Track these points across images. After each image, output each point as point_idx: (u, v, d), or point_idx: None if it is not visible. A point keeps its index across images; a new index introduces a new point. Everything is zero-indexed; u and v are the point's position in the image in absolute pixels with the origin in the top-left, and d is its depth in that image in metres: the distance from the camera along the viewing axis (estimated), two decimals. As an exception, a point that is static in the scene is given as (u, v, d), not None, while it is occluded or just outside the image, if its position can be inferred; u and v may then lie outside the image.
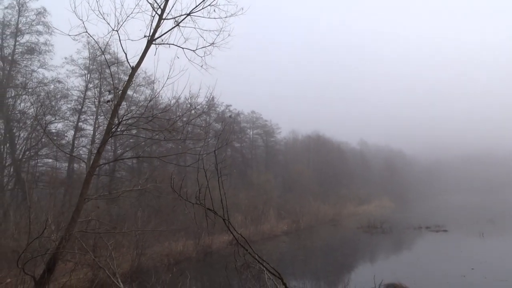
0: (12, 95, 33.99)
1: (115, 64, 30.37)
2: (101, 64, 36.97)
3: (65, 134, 36.60)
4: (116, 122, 11.76)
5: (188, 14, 13.03)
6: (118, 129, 12.44)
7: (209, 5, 13.22)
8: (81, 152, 37.13)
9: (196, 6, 13.00)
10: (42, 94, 34.14)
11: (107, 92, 17.32)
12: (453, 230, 49.48)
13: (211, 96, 14.92)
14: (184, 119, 15.10)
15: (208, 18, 13.21)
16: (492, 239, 41.70)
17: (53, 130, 34.81)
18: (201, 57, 13.35)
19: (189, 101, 13.64)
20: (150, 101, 13.40)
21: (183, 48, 13.09)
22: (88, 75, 38.58)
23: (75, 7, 12.08)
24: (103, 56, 26.39)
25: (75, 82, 44.71)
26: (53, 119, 34.63)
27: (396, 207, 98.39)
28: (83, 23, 12.28)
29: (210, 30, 13.13)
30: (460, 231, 50.06)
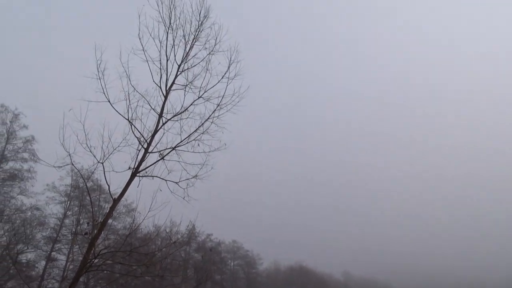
0: (-14, 222, 32.91)
1: (97, 192, 30.29)
2: (82, 191, 36.84)
3: (36, 265, 34.68)
4: (92, 257, 11.28)
5: (173, 148, 13.50)
6: (93, 263, 11.87)
7: (193, 139, 13.84)
8: (50, 286, 34.81)
9: (181, 141, 13.56)
10: (17, 221, 33.19)
11: (86, 221, 16.89)
12: None
13: (192, 226, 14.73)
14: (163, 249, 14.62)
15: (192, 152, 13.68)
16: None
17: (24, 260, 33.05)
18: (184, 189, 13.50)
19: (170, 233, 13.45)
20: (129, 234, 13.09)
21: (166, 180, 13.29)
22: (68, 202, 38.16)
23: (63, 140, 12.46)
24: (85, 184, 26.52)
25: (54, 209, 44.01)
26: (25, 248, 33.14)
27: None
28: (70, 155, 12.54)
29: (193, 164, 13.52)
30: None
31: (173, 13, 13.96)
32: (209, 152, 13.74)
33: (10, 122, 36.69)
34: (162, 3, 13.86)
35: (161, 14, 13.86)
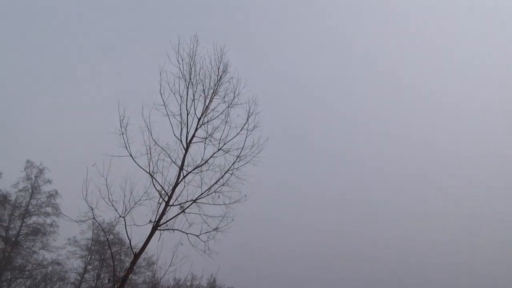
0: (8, 277, 32.96)
1: (118, 246, 30.24)
2: (103, 245, 36.77)
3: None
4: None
5: (194, 201, 13.55)
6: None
7: (214, 191, 13.88)
8: None
9: (202, 193, 13.61)
10: (39, 277, 33.13)
11: (107, 277, 16.75)
12: None
13: (213, 279, 14.47)
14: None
15: (213, 204, 13.69)
16: None
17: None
18: (205, 242, 13.41)
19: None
20: (149, 289, 12.92)
21: (187, 233, 13.27)
22: (89, 256, 38.04)
23: (86, 195, 12.72)
24: (106, 238, 26.63)
25: (74, 264, 43.95)
26: (45, 304, 32.87)
27: None
28: (92, 210, 12.73)
29: (214, 216, 13.48)
30: None
31: (193, 69, 14.47)
32: (229, 204, 13.72)
33: (35, 177, 37.59)
34: (182, 60, 14.42)
35: (182, 70, 14.38)
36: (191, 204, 13.55)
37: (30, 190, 37.21)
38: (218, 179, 13.90)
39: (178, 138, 14.08)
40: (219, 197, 13.86)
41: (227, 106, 14.64)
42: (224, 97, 14.74)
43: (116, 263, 14.17)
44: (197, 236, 13.35)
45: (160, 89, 14.06)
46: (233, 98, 14.64)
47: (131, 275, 35.43)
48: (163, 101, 14.07)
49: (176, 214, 13.42)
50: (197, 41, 14.63)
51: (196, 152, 14.24)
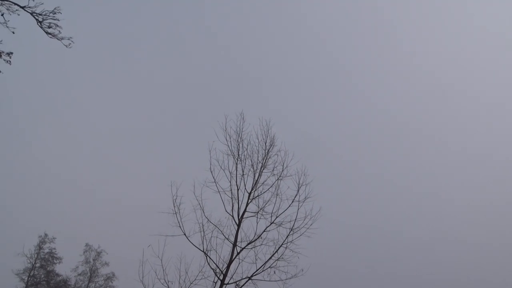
0: None
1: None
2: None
3: None
4: None
5: (249, 278, 13.28)
6: None
7: (269, 267, 13.54)
8: None
9: (257, 270, 13.34)
10: None
11: None
12: None
13: None
14: None
15: (269, 280, 13.31)
16: None
17: None
18: (263, 323, 12.90)
19: None
20: None
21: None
22: None
23: (142, 277, 12.80)
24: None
25: None
26: None
27: None
28: (149, 291, 12.74)
29: (271, 294, 13.05)
30: None
31: (241, 145, 14.83)
32: (286, 279, 13.29)
33: (93, 260, 38.50)
34: (230, 138, 14.86)
35: (230, 147, 14.79)
36: (246, 281, 13.27)
37: (89, 274, 37.99)
38: (273, 254, 13.64)
39: (230, 214, 14.14)
40: (274, 272, 13.51)
41: (276, 179, 14.71)
42: (273, 170, 14.87)
43: None
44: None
45: (210, 166, 14.45)
46: (282, 171, 14.74)
47: None
48: (214, 178, 14.39)
49: (232, 294, 13.14)
50: (243, 118, 15.14)
51: (249, 227, 14.18)
